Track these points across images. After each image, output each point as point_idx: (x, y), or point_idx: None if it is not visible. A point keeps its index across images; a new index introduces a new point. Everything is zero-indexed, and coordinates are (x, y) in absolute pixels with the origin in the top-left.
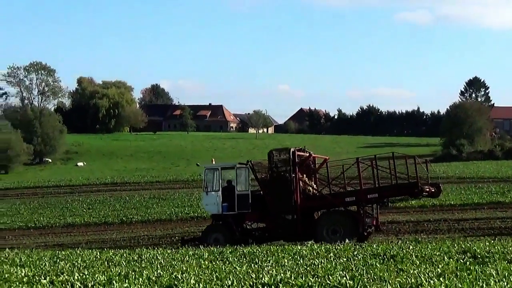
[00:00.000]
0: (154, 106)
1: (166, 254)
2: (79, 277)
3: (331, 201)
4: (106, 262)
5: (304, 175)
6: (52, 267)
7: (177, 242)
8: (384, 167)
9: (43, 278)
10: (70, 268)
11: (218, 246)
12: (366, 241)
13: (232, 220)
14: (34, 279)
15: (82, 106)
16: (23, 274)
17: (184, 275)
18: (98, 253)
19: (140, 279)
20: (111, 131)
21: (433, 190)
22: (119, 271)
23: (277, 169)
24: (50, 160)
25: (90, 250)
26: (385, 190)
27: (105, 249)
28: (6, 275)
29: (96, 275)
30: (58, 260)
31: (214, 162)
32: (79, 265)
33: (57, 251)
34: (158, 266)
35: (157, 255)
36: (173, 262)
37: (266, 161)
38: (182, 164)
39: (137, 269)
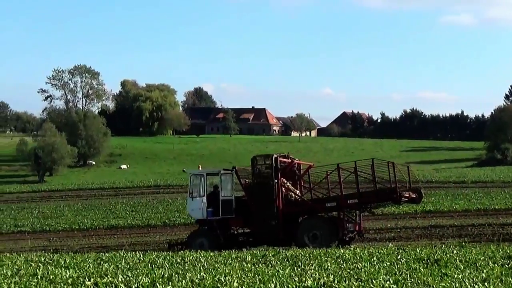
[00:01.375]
0: (197, 109)
1: (209, 257)
2: (122, 279)
3: (312, 207)
4: (149, 264)
5: (287, 181)
6: (96, 269)
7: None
8: (369, 173)
9: (87, 279)
10: (113, 270)
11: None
12: (349, 246)
13: (216, 225)
14: (79, 281)
15: (125, 109)
16: (67, 276)
17: (227, 278)
18: (142, 255)
19: (184, 281)
20: (154, 134)
21: (413, 196)
22: (162, 273)
23: (260, 175)
24: (94, 163)
25: (133, 252)
26: (364, 196)
27: (148, 251)
28: (51, 277)
29: (140, 277)
30: (102, 262)
31: (200, 168)
32: (122, 267)
33: (101, 253)
34: (201, 268)
35: (200, 257)
36: (216, 265)
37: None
38: (225, 167)
39: (180, 272)
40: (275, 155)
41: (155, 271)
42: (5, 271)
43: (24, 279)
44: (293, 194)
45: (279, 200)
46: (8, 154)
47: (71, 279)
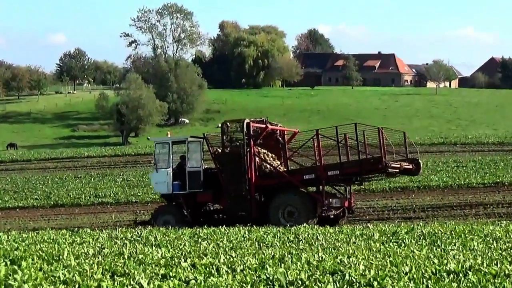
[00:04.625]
0: (312, 56)
1: (329, 234)
2: (225, 259)
3: (289, 180)
4: (256, 243)
5: (264, 150)
6: (193, 248)
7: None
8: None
9: (183, 260)
10: (214, 249)
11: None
12: (338, 225)
13: (183, 200)
14: (173, 262)
15: (224, 56)
16: (159, 256)
17: (351, 259)
18: (247, 232)
19: (298, 263)
20: (260, 86)
21: (409, 167)
22: (272, 253)
23: (231, 143)
24: (187, 121)
25: (236, 229)
26: (346, 166)
27: (254, 227)
28: (140, 257)
29: (246, 258)
30: (199, 239)
31: (169, 135)
32: (224, 245)
33: (198, 229)
34: (319, 248)
35: (318, 234)
36: (337, 244)
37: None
38: (345, 124)
39: (294, 251)
40: (247, 120)
41: (264, 251)
42: (86, 250)
43: (109, 259)
44: (268, 165)
45: (251, 172)
46: (86, 111)
47: (163, 259)
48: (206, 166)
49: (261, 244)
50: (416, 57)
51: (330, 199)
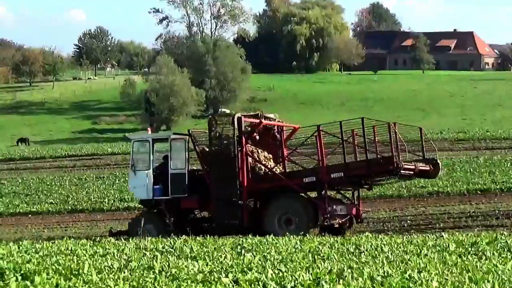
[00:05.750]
0: (375, 35)
1: (395, 245)
2: (273, 275)
3: (286, 183)
4: (310, 255)
5: (258, 149)
6: (235, 261)
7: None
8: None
9: (223, 275)
10: (260, 262)
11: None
12: (343, 235)
13: (165, 207)
14: (212, 277)
15: (272, 35)
16: (196, 270)
17: (422, 274)
18: (298, 242)
19: (360, 279)
20: (313, 70)
21: (426, 168)
22: (329, 267)
23: (219, 142)
24: (228, 111)
25: (287, 238)
26: (352, 167)
27: (308, 236)
28: (173, 271)
29: (298, 273)
30: (243, 251)
31: (150, 132)
32: (272, 258)
33: (241, 239)
34: (384, 261)
35: (382, 245)
36: (405, 256)
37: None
38: (414, 116)
39: (354, 265)
40: (238, 114)
41: (319, 264)
42: (109, 263)
43: (137, 274)
44: (263, 166)
45: (243, 174)
46: (109, 100)
47: (201, 274)
48: (192, 168)
49: (316, 257)
50: (499, 36)
51: (334, 206)
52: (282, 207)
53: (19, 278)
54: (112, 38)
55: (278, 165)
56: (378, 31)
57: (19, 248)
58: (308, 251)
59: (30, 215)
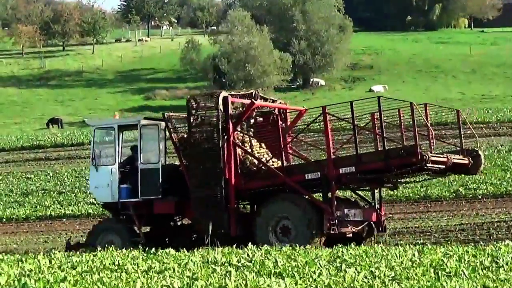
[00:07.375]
0: None
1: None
2: None
3: (284, 180)
4: (432, 270)
5: (248, 137)
6: (334, 278)
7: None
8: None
9: None
10: (367, 280)
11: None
12: (360, 245)
13: (133, 212)
14: None
15: None
16: None
17: None
18: (416, 254)
19: None
20: (433, 27)
21: (463, 161)
22: (457, 286)
23: (201, 129)
24: (322, 82)
25: (401, 248)
26: (366, 161)
27: (427, 246)
28: None
29: None
30: (343, 265)
31: (117, 117)
32: (382, 274)
33: (341, 249)
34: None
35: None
36: None
37: None
38: None
39: (491, 284)
40: (224, 93)
41: (444, 283)
42: (169, 281)
43: None
44: (254, 159)
45: (229, 170)
46: (165, 69)
47: None
48: (169, 162)
49: (440, 273)
50: None
51: (345, 209)
52: (277, 212)
53: None
54: None
55: (277, 158)
56: None
57: (50, 262)
58: (429, 265)
59: (64, 219)
